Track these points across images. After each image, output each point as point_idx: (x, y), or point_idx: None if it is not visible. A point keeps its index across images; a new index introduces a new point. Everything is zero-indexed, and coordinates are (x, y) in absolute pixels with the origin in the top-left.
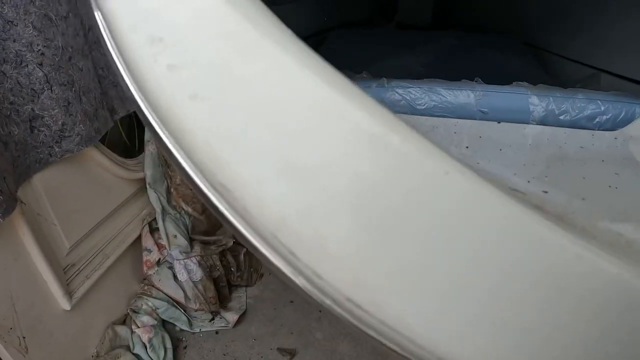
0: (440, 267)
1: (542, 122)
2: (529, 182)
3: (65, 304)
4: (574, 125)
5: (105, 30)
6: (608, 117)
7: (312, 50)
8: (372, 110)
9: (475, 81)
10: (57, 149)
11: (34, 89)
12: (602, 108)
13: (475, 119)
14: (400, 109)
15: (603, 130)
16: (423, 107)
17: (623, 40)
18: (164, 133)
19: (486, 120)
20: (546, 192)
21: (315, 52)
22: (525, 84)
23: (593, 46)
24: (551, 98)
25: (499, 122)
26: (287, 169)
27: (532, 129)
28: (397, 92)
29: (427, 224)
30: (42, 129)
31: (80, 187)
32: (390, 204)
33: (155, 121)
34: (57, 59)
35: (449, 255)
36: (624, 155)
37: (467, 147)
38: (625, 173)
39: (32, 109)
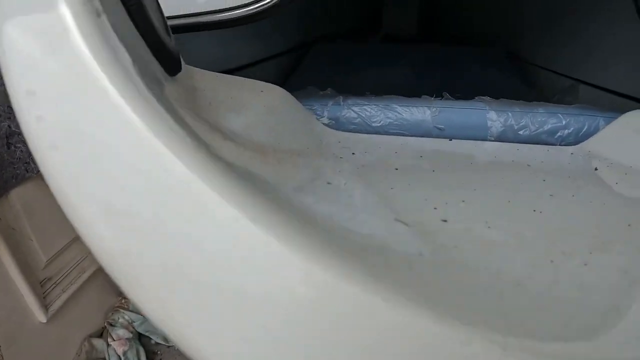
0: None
1: (501, 137)
2: (435, 209)
3: (41, 317)
4: (534, 140)
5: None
6: (570, 131)
7: (162, 108)
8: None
9: (443, 96)
10: (33, 165)
11: (10, 107)
12: (564, 122)
13: (432, 136)
14: (355, 127)
15: (565, 144)
16: (378, 125)
17: (603, 52)
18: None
19: (442, 137)
20: (445, 221)
21: (165, 109)
22: (487, 98)
23: (573, 57)
24: (510, 113)
25: (451, 140)
26: (109, 213)
27: (483, 146)
28: (352, 110)
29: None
30: (19, 145)
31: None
32: (173, 241)
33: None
34: None
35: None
36: (574, 173)
37: (396, 169)
38: (563, 194)
39: (8, 125)
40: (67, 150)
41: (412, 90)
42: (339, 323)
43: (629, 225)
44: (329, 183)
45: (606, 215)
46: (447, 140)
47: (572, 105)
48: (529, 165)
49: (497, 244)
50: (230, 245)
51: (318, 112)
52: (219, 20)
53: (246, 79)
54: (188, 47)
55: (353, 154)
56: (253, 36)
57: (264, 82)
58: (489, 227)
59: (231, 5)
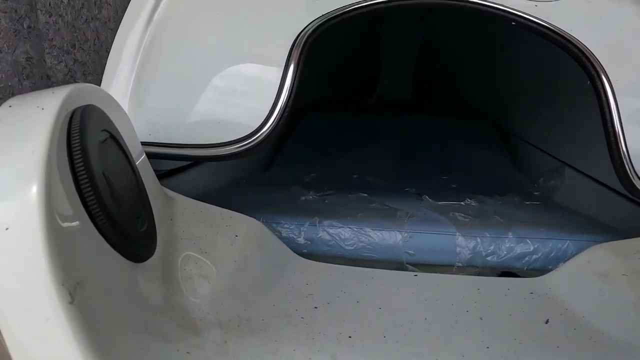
0: None
1: (469, 263)
2: None
3: None
4: (502, 265)
5: None
6: (538, 256)
7: None
8: None
9: (412, 190)
10: None
11: None
12: (532, 248)
13: (402, 260)
14: (329, 249)
15: (532, 269)
16: (352, 248)
17: (588, 138)
18: None
19: (412, 261)
20: None
21: None
22: (459, 216)
23: (561, 139)
24: (478, 239)
25: (416, 275)
26: None
27: (445, 284)
28: (327, 232)
29: None
30: None
31: None
32: None
33: None
34: None
35: None
36: (522, 329)
37: (349, 336)
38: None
39: None
40: None
41: (399, 170)
42: None
43: None
44: None
45: None
46: (412, 276)
47: (542, 230)
48: (481, 318)
49: None
50: None
51: (294, 233)
52: (208, 155)
53: (224, 212)
54: None
55: (315, 307)
56: None
57: (240, 217)
58: None
59: (222, 141)
